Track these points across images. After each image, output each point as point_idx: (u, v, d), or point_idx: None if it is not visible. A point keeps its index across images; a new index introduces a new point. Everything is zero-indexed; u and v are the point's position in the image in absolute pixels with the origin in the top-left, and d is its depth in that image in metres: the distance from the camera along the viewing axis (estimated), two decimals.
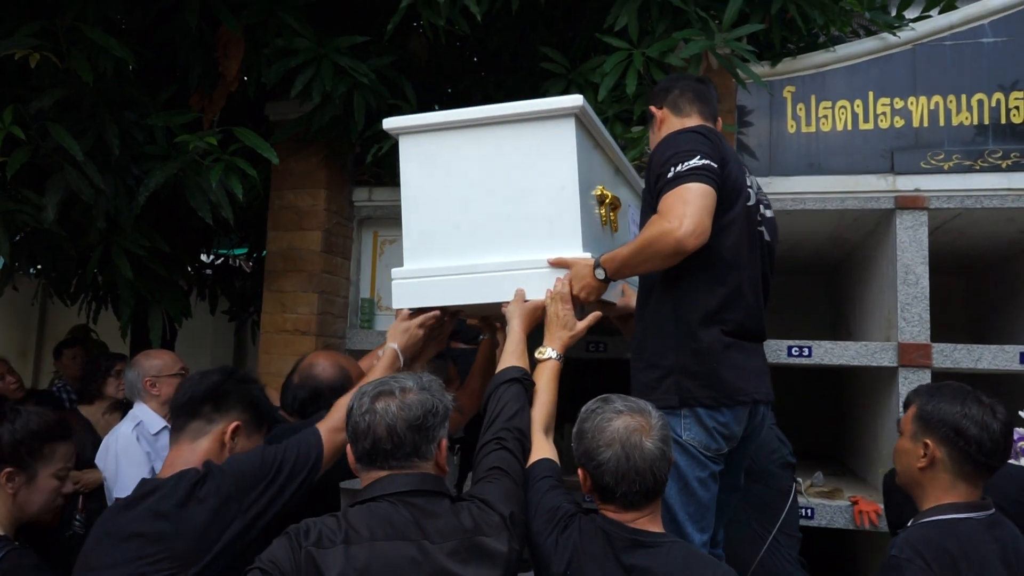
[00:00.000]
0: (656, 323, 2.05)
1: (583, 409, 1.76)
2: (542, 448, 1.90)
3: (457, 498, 1.68)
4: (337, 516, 1.57)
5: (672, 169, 1.91)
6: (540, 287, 2.15)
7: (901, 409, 3.26)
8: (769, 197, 3.40)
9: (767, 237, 2.16)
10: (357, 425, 1.63)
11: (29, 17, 3.06)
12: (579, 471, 1.73)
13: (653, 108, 2.30)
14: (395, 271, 2.34)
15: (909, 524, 1.88)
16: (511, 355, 2.07)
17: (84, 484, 3.29)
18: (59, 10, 3.09)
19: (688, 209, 1.85)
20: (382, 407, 1.62)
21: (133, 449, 2.82)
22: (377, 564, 1.49)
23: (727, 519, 2.21)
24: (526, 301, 2.15)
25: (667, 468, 1.67)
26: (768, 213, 2.20)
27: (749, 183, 2.09)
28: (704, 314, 1.97)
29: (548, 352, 2.08)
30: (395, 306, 2.32)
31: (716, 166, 1.92)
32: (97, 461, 2.92)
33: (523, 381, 1.99)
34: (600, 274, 2.05)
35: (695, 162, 1.90)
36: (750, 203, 2.06)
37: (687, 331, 1.98)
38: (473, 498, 1.67)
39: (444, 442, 1.68)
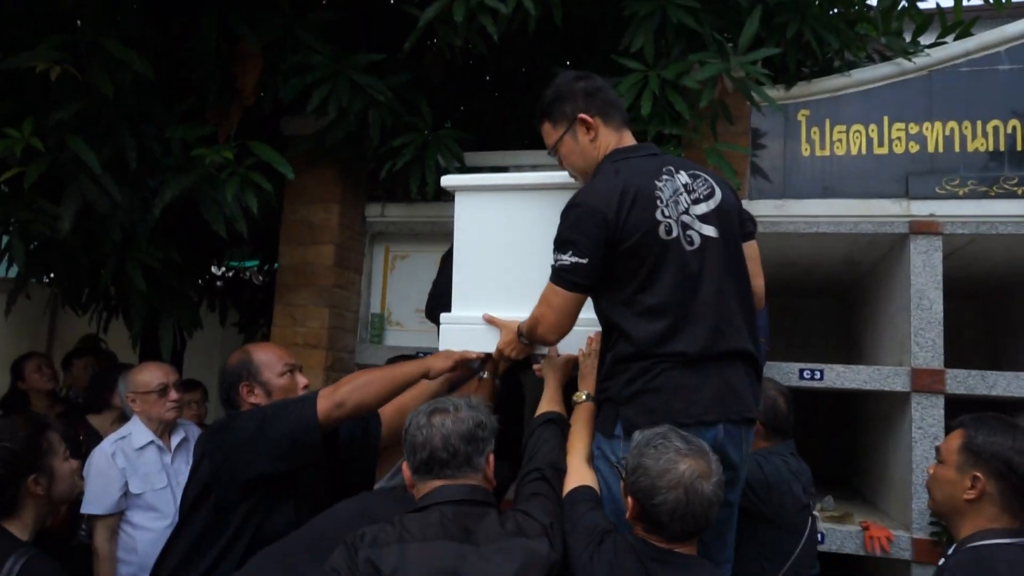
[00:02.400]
0: (603, 359, 2.18)
1: (641, 440, 1.83)
2: (584, 476, 2.03)
3: (502, 510, 1.87)
4: (394, 521, 1.76)
5: (554, 256, 2.08)
6: (573, 344, 2.37)
7: (914, 435, 3.24)
8: (781, 219, 3.37)
9: (714, 234, 2.09)
10: (415, 439, 1.86)
11: (51, 31, 3.10)
12: (629, 499, 1.80)
13: (583, 115, 2.19)
14: (444, 316, 2.57)
15: (953, 550, 1.88)
16: (548, 401, 2.36)
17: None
18: (81, 24, 3.12)
19: (548, 312, 2.12)
20: (438, 421, 1.86)
21: (104, 464, 2.82)
22: (427, 560, 1.66)
23: (728, 535, 2.18)
24: (558, 356, 2.46)
25: (719, 510, 1.78)
26: (705, 208, 2.11)
27: (665, 205, 2.06)
28: (639, 353, 2.03)
29: (584, 395, 2.31)
30: (441, 348, 2.52)
31: (585, 261, 2.01)
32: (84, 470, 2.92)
33: (559, 422, 2.25)
34: (523, 337, 2.34)
35: (566, 260, 2.04)
36: (671, 236, 2.04)
37: (621, 365, 2.07)
38: (516, 509, 1.88)
39: (492, 456, 1.90)
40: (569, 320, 2.13)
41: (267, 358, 2.40)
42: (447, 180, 2.64)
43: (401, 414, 2.32)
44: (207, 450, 2.21)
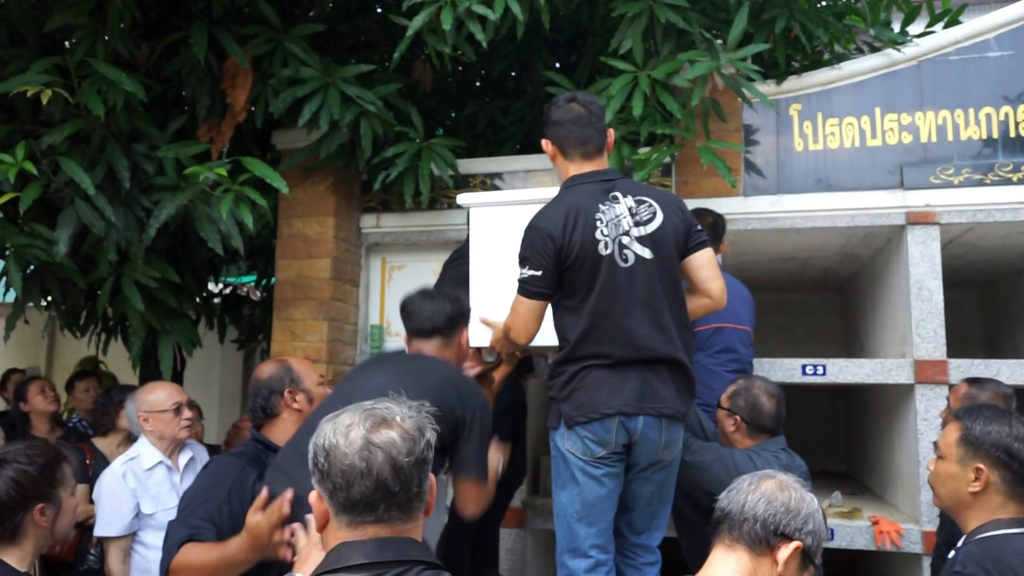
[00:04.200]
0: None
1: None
2: None
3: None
4: None
5: (519, 271, 2.42)
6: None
7: (919, 427, 3.24)
8: (777, 214, 3.39)
9: (649, 255, 2.38)
10: (350, 469, 1.32)
11: (40, 54, 3.10)
12: None
13: (545, 140, 2.56)
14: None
15: (963, 541, 1.87)
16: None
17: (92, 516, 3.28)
18: (69, 46, 3.12)
19: (516, 318, 2.44)
20: (380, 439, 1.33)
21: (116, 485, 2.80)
22: None
23: (654, 504, 2.52)
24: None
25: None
26: (643, 231, 2.39)
27: (605, 225, 2.37)
28: (567, 358, 2.41)
29: None
30: (471, 344, 2.70)
31: (539, 273, 2.37)
32: (93, 493, 2.91)
33: None
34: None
35: (525, 273, 2.39)
36: (606, 251, 2.36)
37: (558, 371, 2.45)
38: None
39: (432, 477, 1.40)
40: (534, 324, 2.44)
41: (303, 368, 2.44)
42: (463, 199, 2.89)
43: None
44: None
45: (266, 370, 2.41)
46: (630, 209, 2.40)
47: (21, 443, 2.12)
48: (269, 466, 2.18)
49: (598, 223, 2.37)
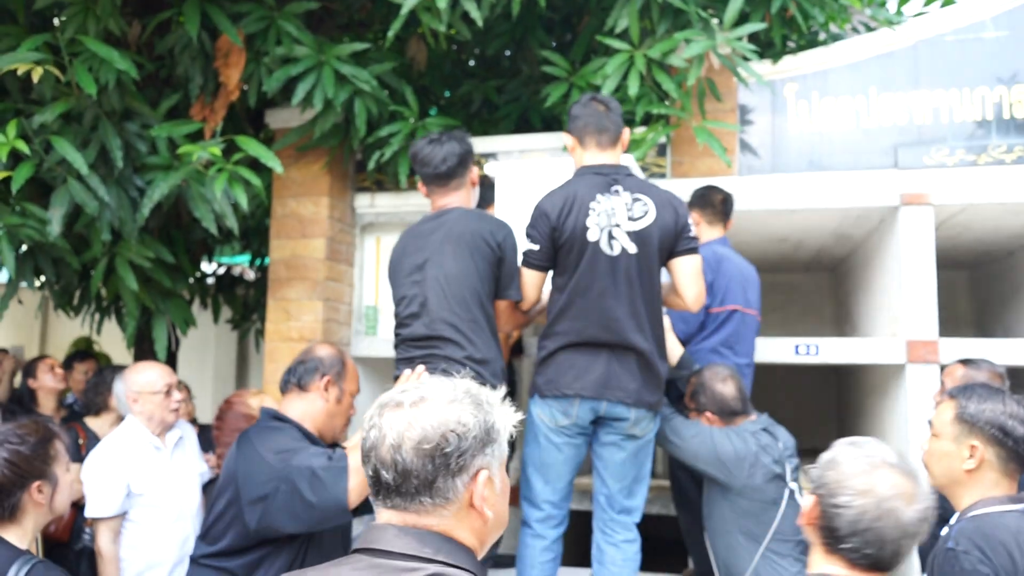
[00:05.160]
0: None
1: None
2: None
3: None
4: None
5: (526, 245, 2.71)
6: None
7: (910, 406, 3.27)
8: (771, 195, 3.43)
9: (634, 250, 2.60)
10: (365, 441, 1.22)
11: (31, 31, 3.06)
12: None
13: (566, 133, 2.81)
14: None
15: (955, 519, 1.90)
16: None
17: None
18: (60, 24, 3.08)
19: (524, 288, 2.75)
20: (388, 420, 1.20)
21: (105, 466, 2.79)
22: None
23: (628, 477, 2.72)
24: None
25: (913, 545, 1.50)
26: (634, 227, 2.60)
27: (597, 214, 2.59)
28: (546, 332, 2.71)
29: None
30: None
31: (537, 247, 2.66)
32: (83, 474, 2.90)
33: None
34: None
35: (527, 246, 2.69)
36: (593, 238, 2.59)
37: (540, 345, 2.74)
38: None
39: (482, 475, 1.19)
40: (533, 292, 2.76)
41: (353, 370, 2.53)
42: (493, 169, 3.24)
43: None
44: (245, 496, 2.19)
45: (326, 349, 2.50)
46: (626, 204, 2.61)
47: (11, 423, 2.13)
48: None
49: (591, 211, 2.60)
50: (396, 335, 2.76)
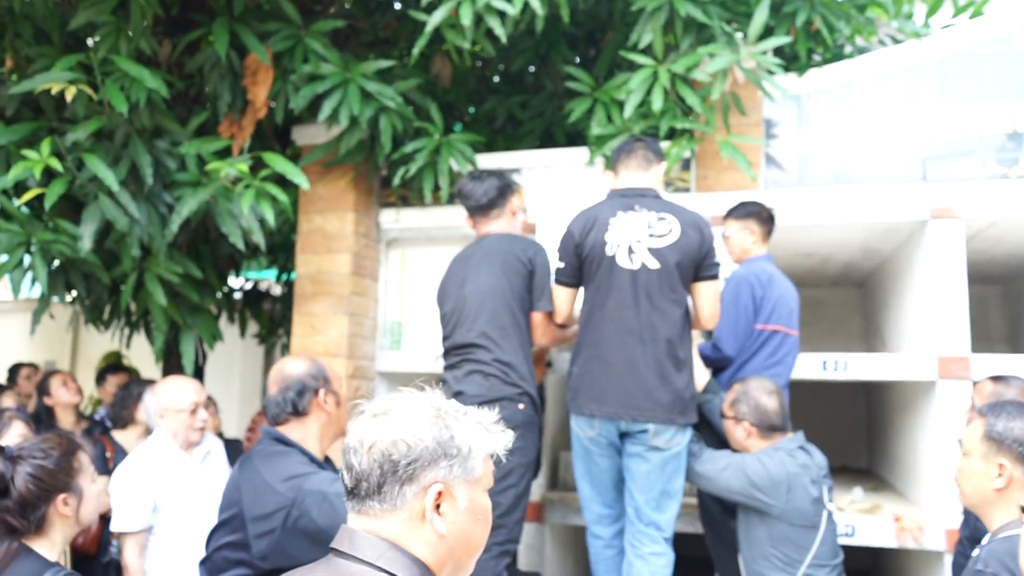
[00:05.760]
0: None
1: None
2: None
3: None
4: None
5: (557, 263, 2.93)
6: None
7: (941, 423, 3.21)
8: (798, 209, 3.41)
9: (655, 266, 2.70)
10: (346, 445, 1.26)
11: (64, 52, 3.13)
12: None
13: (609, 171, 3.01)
14: None
15: (988, 540, 1.86)
16: None
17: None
18: (93, 44, 3.15)
19: (556, 303, 2.95)
20: (367, 424, 1.24)
21: (132, 481, 2.79)
22: None
23: (654, 489, 2.75)
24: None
25: None
26: (657, 244, 2.71)
27: (617, 231, 2.73)
28: (575, 345, 2.88)
29: None
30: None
31: (564, 265, 2.87)
32: (110, 487, 2.92)
33: None
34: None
35: (557, 264, 2.90)
36: (610, 253, 2.74)
37: (571, 359, 2.90)
38: None
39: (436, 488, 1.19)
40: (564, 307, 2.94)
41: (332, 370, 2.42)
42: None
43: None
44: (252, 529, 2.12)
45: (299, 366, 2.34)
46: (648, 222, 2.74)
47: (35, 438, 2.15)
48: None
49: (610, 228, 2.76)
50: (443, 347, 3.05)
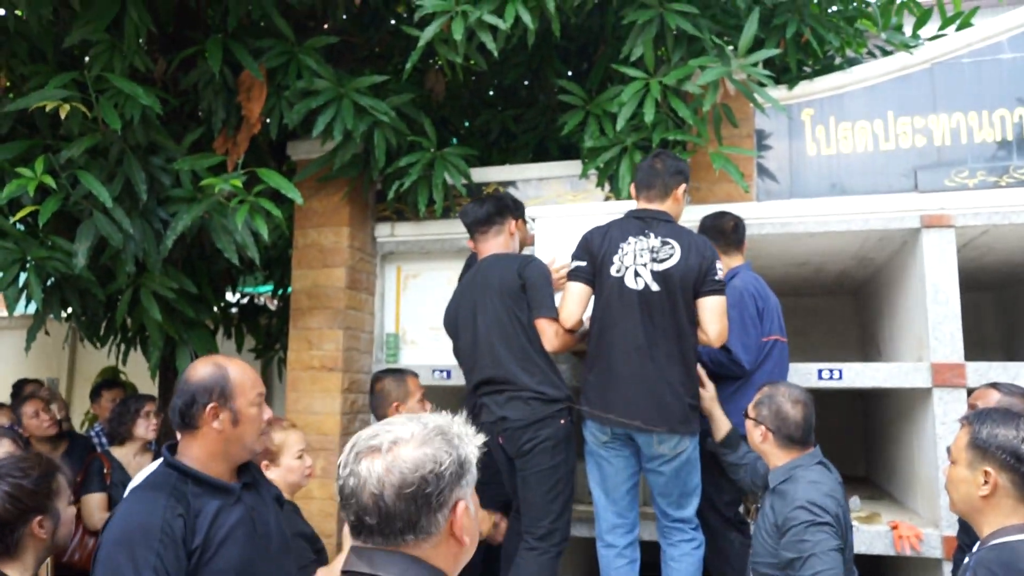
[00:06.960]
0: None
1: None
2: None
3: None
4: None
5: (572, 263, 3.01)
6: None
7: (937, 431, 3.21)
8: (791, 219, 3.42)
9: (658, 288, 2.82)
10: (342, 487, 1.26)
11: (59, 69, 3.14)
12: None
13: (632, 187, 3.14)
14: None
15: (977, 547, 1.86)
16: None
17: None
18: (87, 61, 3.17)
19: (565, 303, 2.98)
20: (366, 468, 1.23)
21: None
22: None
23: (673, 494, 2.90)
24: None
25: None
26: (659, 267, 2.83)
27: (625, 253, 2.87)
28: (587, 365, 2.99)
29: None
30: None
31: (584, 263, 2.95)
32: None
33: None
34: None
35: (573, 264, 2.98)
36: (617, 272, 2.87)
37: (586, 365, 3.01)
38: None
39: (462, 504, 1.25)
40: (577, 308, 2.96)
41: (243, 380, 2.01)
42: (532, 211, 3.46)
43: None
44: None
45: (200, 371, 2.00)
46: (652, 247, 2.87)
47: (12, 457, 2.10)
48: None
49: (620, 250, 2.90)
50: (471, 380, 3.15)
